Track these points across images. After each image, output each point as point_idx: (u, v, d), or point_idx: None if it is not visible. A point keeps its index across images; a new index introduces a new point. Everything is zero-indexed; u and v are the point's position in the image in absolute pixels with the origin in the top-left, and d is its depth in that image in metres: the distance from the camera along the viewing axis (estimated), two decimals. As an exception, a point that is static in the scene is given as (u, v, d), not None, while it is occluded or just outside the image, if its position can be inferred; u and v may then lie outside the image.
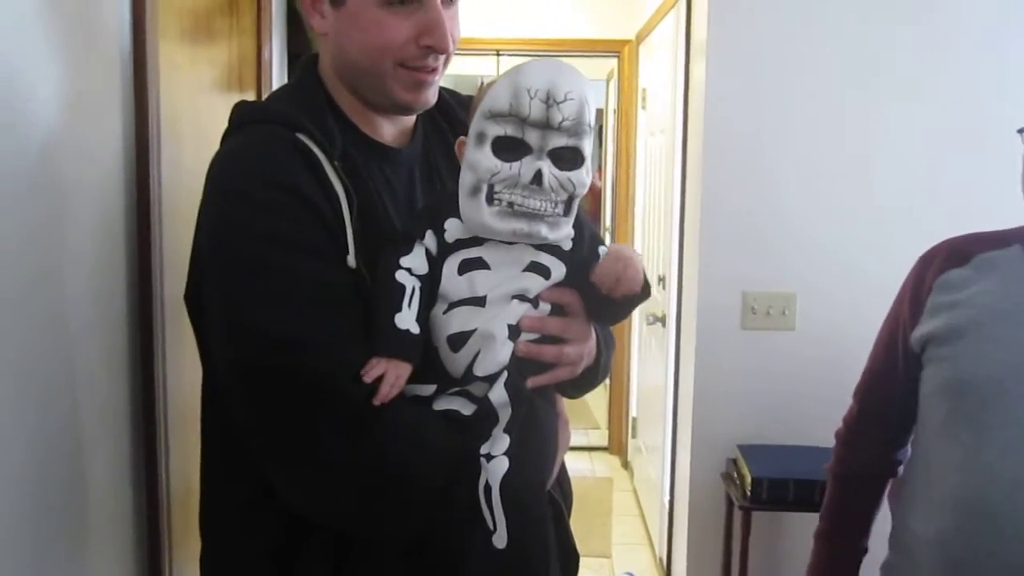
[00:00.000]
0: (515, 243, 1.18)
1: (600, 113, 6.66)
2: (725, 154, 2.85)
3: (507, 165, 1.14)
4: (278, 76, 2.46)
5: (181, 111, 1.64)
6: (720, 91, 2.84)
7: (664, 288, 3.79)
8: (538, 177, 1.14)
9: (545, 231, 1.16)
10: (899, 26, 2.79)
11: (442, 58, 1.22)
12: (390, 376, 1.10)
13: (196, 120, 1.68)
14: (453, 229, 1.18)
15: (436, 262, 1.18)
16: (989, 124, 2.80)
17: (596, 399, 5.88)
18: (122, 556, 1.43)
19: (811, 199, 2.85)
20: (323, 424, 1.09)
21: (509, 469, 1.13)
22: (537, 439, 1.19)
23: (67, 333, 1.26)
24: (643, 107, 4.76)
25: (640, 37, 4.75)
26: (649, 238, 4.42)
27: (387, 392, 1.10)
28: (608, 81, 5.93)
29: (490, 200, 1.14)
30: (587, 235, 1.22)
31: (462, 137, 1.21)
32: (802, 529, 2.87)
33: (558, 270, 1.20)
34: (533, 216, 1.15)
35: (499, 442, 1.14)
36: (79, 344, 1.29)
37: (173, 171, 1.55)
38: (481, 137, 1.15)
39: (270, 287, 1.10)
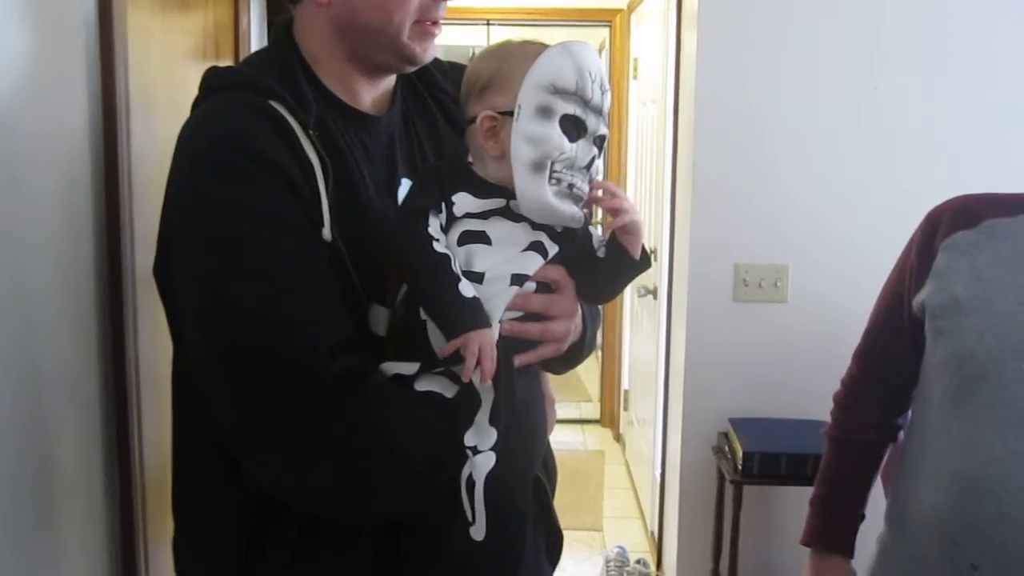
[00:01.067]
0: (520, 221, 1.14)
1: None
2: (716, 124, 2.81)
3: (571, 145, 1.12)
4: (257, 43, 2.41)
5: (154, 79, 1.59)
6: (711, 61, 2.79)
7: (656, 260, 3.76)
8: (591, 162, 1.14)
9: (581, 217, 1.16)
10: (894, -7, 2.74)
11: (446, 11, 1.20)
12: (487, 350, 1.06)
13: (170, 89, 1.64)
14: (463, 203, 1.14)
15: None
16: (987, 91, 2.76)
17: (588, 371, 5.87)
18: (94, 540, 1.41)
19: (804, 170, 2.81)
20: (297, 404, 1.06)
21: (496, 466, 1.09)
22: (525, 430, 1.16)
23: (31, 309, 1.22)
24: (635, 77, 4.71)
25: (631, 6, 4.70)
26: (641, 209, 4.38)
27: (491, 367, 1.06)
28: (600, 52, 5.87)
29: (550, 178, 1.12)
30: None
31: (489, 112, 1.14)
32: (794, 503, 2.86)
33: (552, 250, 1.17)
34: (581, 200, 1.15)
35: (486, 435, 1.10)
36: (45, 320, 1.25)
37: (145, 142, 1.50)
38: (547, 112, 1.11)
39: (242, 261, 1.06)
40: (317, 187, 1.09)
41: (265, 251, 1.06)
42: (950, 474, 1.38)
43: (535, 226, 1.15)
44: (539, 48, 1.14)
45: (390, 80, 1.27)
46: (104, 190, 1.38)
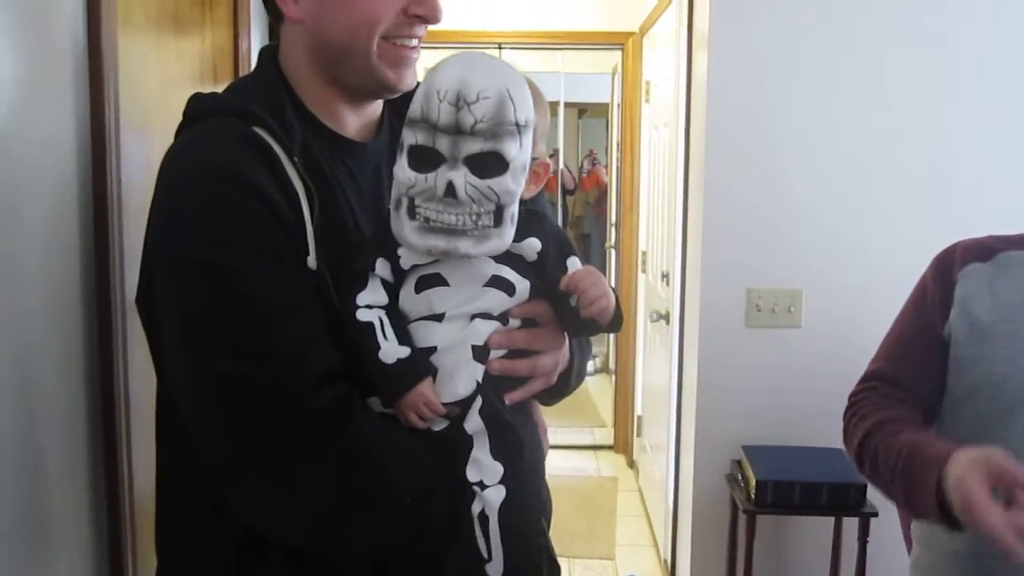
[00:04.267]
0: (474, 257, 1.09)
1: (606, 107, 6.59)
2: (728, 148, 2.78)
3: (423, 177, 1.05)
4: (258, 68, 2.39)
5: (147, 104, 1.57)
6: (723, 83, 2.77)
7: (668, 284, 3.72)
8: (451, 189, 1.04)
9: (467, 247, 1.06)
10: (906, 14, 2.70)
11: (424, 32, 1.16)
12: (418, 407, 1.07)
13: (166, 114, 1.59)
14: (408, 255, 1.11)
15: (394, 288, 1.11)
16: (1002, 108, 2.72)
17: (602, 397, 5.82)
18: (82, 572, 1.37)
19: (817, 193, 2.77)
20: (282, 437, 1.03)
21: (507, 498, 1.08)
22: (528, 465, 1.13)
23: (16, 337, 1.20)
24: (647, 100, 4.68)
25: (644, 29, 4.68)
26: (653, 233, 4.35)
27: (428, 414, 1.07)
28: (613, 75, 5.85)
29: (411, 214, 1.06)
30: (552, 244, 1.14)
31: None
32: (808, 533, 2.82)
33: (522, 285, 1.12)
34: (451, 232, 1.06)
35: (490, 471, 1.09)
36: (30, 349, 1.23)
37: (137, 167, 1.48)
38: (401, 147, 1.08)
39: (225, 291, 1.03)
40: (302, 215, 1.07)
41: (248, 280, 1.04)
42: None
43: (498, 260, 1.11)
44: None
45: (376, 106, 1.25)
46: (92, 216, 1.36)
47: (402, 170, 1.06)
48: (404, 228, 1.07)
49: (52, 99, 1.30)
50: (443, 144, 1.04)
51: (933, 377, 1.47)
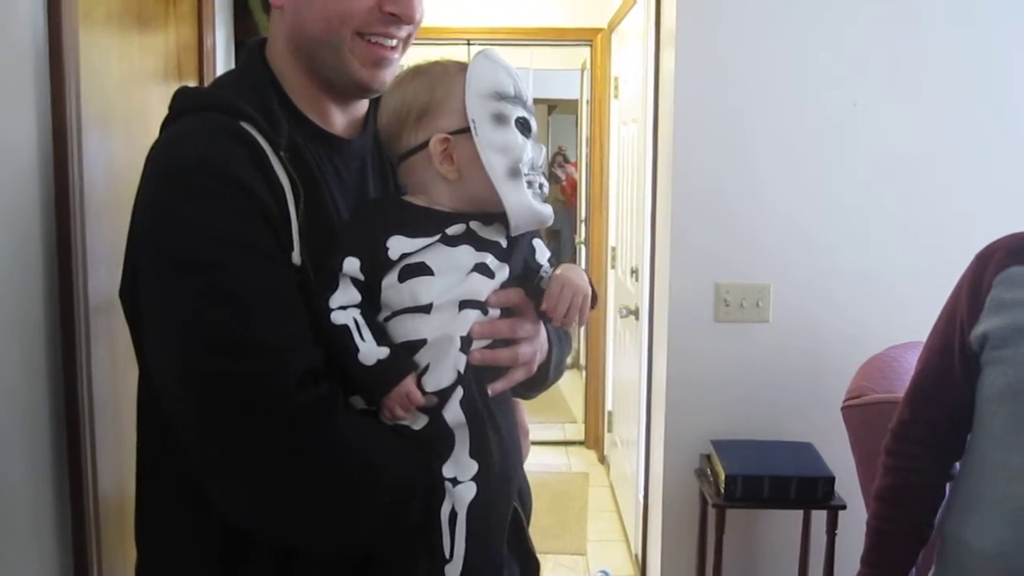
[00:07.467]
0: (459, 245, 1.11)
1: (575, 103, 6.59)
2: (696, 144, 2.79)
3: (532, 147, 1.13)
4: (223, 64, 2.36)
5: (111, 101, 1.55)
6: (690, 79, 2.77)
7: (637, 280, 3.73)
8: (542, 160, 1.15)
9: (552, 215, 1.16)
10: (873, 10, 2.72)
11: (404, 33, 1.15)
12: (402, 401, 1.06)
13: (129, 111, 1.59)
14: (398, 246, 1.10)
15: (366, 285, 1.10)
16: (968, 106, 2.75)
17: (573, 392, 5.83)
18: (45, 570, 1.35)
19: (784, 189, 2.79)
20: (264, 434, 1.02)
21: (477, 496, 1.07)
22: (502, 464, 1.13)
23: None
24: (615, 96, 4.69)
25: (612, 25, 4.69)
26: (623, 229, 4.36)
27: (409, 407, 1.07)
28: (582, 71, 5.86)
29: (528, 184, 1.12)
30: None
31: (441, 135, 1.12)
32: (777, 526, 2.84)
33: (501, 272, 1.13)
34: (545, 199, 1.14)
35: (466, 467, 1.08)
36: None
37: (100, 163, 1.46)
38: (502, 118, 1.11)
39: (210, 285, 1.02)
40: (288, 210, 1.07)
41: (234, 276, 1.03)
42: (1014, 508, 1.34)
43: (479, 248, 1.12)
44: (457, 65, 1.14)
45: (362, 104, 1.24)
46: (54, 214, 1.34)
47: (519, 138, 1.12)
48: (528, 196, 1.11)
49: (12, 95, 1.28)
50: (532, 121, 1.14)
51: (959, 399, 1.49)
